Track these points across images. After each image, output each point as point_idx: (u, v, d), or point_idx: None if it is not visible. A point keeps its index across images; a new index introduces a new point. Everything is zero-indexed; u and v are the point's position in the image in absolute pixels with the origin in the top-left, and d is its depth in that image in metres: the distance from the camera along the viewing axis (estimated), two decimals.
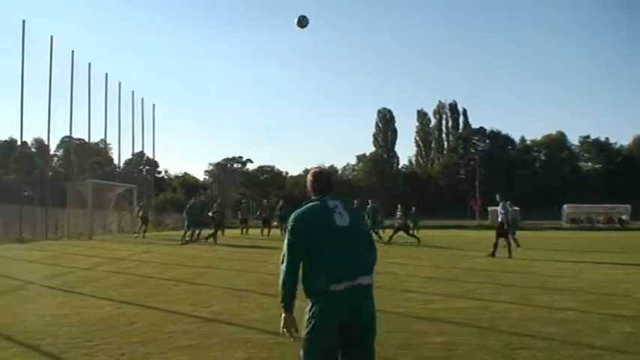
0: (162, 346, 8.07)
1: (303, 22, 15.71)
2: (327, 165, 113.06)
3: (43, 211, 39.67)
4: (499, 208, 24.17)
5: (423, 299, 12.27)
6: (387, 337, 8.55)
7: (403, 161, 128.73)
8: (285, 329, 4.76)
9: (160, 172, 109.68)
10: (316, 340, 4.61)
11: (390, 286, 13.88)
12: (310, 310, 4.67)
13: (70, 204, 42.57)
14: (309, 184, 5.15)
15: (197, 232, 33.29)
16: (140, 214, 42.45)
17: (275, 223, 40.74)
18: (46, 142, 45.16)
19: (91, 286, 14.49)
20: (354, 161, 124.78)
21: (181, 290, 13.76)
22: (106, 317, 10.21)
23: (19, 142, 43.44)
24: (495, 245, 23.39)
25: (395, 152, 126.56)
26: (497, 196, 24.57)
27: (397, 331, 8.94)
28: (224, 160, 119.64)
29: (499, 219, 24.10)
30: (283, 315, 4.76)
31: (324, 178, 5.14)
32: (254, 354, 7.61)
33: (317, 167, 5.37)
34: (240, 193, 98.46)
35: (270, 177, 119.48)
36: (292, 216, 4.91)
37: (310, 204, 4.94)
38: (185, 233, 33.01)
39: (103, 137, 54.89)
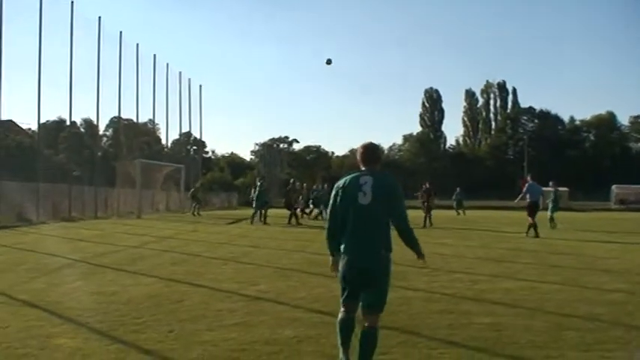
0: (211, 323, 8.14)
1: (329, 62, 27.26)
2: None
3: (92, 191, 40.19)
4: (525, 189, 24.12)
5: (470, 280, 12.21)
6: (435, 317, 8.54)
7: (450, 141, 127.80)
8: (331, 268, 6.12)
9: (207, 152, 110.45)
10: (342, 280, 5.99)
11: (437, 267, 13.83)
12: (341, 257, 5.98)
13: (119, 183, 43.17)
14: (358, 155, 6.18)
15: (263, 212, 33.15)
16: (191, 193, 43.99)
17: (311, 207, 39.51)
18: (95, 123, 45.75)
19: (139, 264, 14.69)
20: (400, 141, 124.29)
21: (229, 269, 13.87)
22: (154, 295, 10.33)
23: (67, 122, 43.91)
24: (534, 226, 23.34)
25: (442, 132, 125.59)
26: (528, 176, 24.68)
27: (445, 312, 8.91)
28: (270, 140, 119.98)
29: (527, 199, 24.08)
30: (330, 258, 6.10)
31: (368, 151, 6.12)
32: (301, 332, 7.63)
33: (367, 142, 6.22)
34: (286, 173, 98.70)
35: (316, 157, 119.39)
36: (335, 185, 6.11)
37: (348, 177, 6.03)
38: (255, 214, 32.93)
39: (151, 117, 55.58)
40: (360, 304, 5.94)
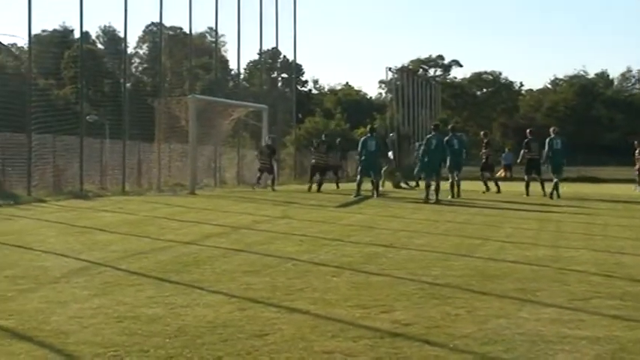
0: None
1: None
2: (593, 72, 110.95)
3: (117, 148, 40.86)
4: None
5: None
6: None
7: None
8: None
9: (305, 84, 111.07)
10: None
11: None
12: None
13: (161, 135, 43.55)
14: None
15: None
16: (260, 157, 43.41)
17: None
18: (121, 34, 46.48)
19: (195, 271, 14.96)
20: None
21: (343, 282, 13.95)
22: (221, 324, 10.46)
23: (76, 34, 44.76)
24: None
25: None
26: None
27: None
28: (412, 62, 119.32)
29: None
30: None
31: None
32: None
33: None
34: (439, 120, 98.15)
35: (491, 92, 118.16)
36: None
37: None
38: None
39: (211, 26, 56.08)
40: None
